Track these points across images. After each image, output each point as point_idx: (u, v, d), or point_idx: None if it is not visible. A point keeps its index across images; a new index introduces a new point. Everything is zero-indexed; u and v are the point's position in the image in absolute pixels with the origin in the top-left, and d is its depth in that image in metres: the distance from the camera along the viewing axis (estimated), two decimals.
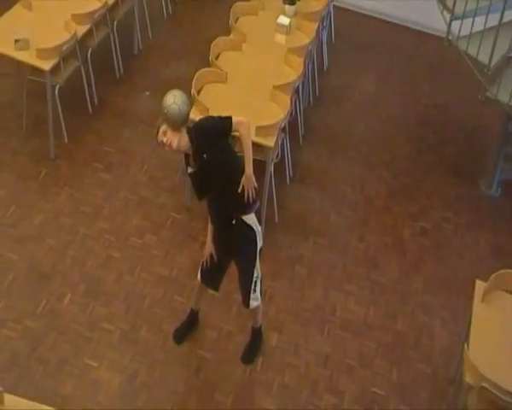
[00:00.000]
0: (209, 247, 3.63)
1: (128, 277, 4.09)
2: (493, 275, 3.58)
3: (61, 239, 4.24)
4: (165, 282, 4.12)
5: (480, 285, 3.60)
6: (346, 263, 4.43)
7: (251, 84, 4.56)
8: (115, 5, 5.14)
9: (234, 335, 3.93)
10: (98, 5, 4.86)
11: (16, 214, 4.34)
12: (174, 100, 3.25)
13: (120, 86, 5.35)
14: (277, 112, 4.36)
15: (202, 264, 3.69)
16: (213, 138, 3.33)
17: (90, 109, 5.04)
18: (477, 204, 4.93)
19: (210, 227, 3.62)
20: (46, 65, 4.41)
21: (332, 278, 4.33)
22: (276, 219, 4.55)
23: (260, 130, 4.17)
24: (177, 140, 3.24)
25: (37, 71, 4.48)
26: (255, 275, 3.60)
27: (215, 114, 4.16)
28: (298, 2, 5.08)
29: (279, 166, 4.60)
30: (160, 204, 4.55)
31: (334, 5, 5.85)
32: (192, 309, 3.90)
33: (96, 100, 5.09)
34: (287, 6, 5.07)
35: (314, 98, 5.50)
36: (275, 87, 4.48)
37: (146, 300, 4.01)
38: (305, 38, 4.97)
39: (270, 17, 5.06)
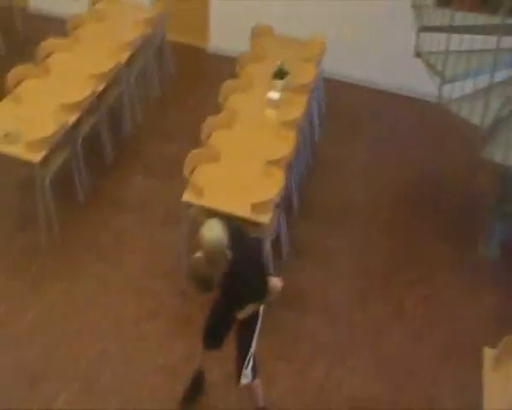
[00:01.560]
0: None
1: (124, 368, 4.09)
2: (501, 341, 3.56)
3: (53, 336, 4.25)
4: (164, 371, 4.12)
5: (488, 353, 3.57)
6: (349, 337, 4.43)
7: (244, 161, 4.68)
8: (104, 91, 5.31)
9: None
10: (87, 93, 5.04)
11: (5, 313, 4.36)
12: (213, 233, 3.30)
13: (111, 172, 5.48)
14: (272, 187, 4.45)
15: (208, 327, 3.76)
16: (245, 297, 3.47)
17: (82, 198, 5.15)
18: (478, 267, 4.96)
19: None
20: (36, 157, 4.53)
21: (335, 354, 4.32)
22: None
23: (256, 207, 4.26)
24: None
25: (26, 164, 4.57)
26: (251, 349, 3.64)
27: (210, 195, 4.34)
28: (287, 77, 5.27)
29: (275, 242, 4.66)
30: (156, 291, 4.59)
31: (323, 77, 6.05)
32: (198, 369, 3.95)
33: (87, 188, 5.21)
34: (276, 81, 5.25)
35: (307, 170, 5.63)
36: (268, 163, 4.59)
37: (144, 391, 4.00)
38: (295, 112, 5.11)
39: (260, 93, 5.22)
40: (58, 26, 5.88)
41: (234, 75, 5.47)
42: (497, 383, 3.44)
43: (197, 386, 3.98)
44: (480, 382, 3.46)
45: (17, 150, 4.57)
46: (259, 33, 6.00)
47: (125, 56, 5.59)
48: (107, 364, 4.12)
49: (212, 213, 4.37)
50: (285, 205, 4.81)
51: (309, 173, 5.63)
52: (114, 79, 5.48)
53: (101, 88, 5.23)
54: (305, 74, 5.53)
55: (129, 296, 4.54)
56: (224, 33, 6.74)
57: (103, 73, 5.26)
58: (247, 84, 5.37)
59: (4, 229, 4.91)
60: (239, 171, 4.62)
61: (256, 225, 4.30)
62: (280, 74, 5.30)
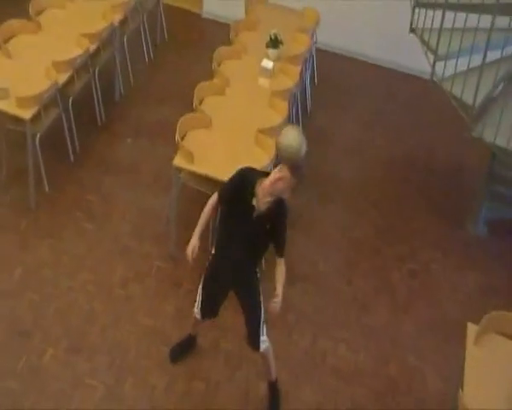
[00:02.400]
0: (194, 241, 3.54)
1: (112, 329, 4.05)
2: (485, 317, 3.60)
3: (42, 293, 4.21)
4: (151, 333, 4.09)
5: (471, 328, 3.60)
6: (336, 308, 4.44)
7: (235, 128, 4.62)
8: (96, 52, 5.20)
9: (222, 385, 3.90)
10: (79, 52, 4.92)
11: None
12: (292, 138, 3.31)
13: (102, 133, 5.39)
14: (262, 156, 4.42)
15: (201, 297, 3.67)
16: (278, 227, 3.42)
17: (72, 158, 5.05)
18: (465, 244, 4.99)
19: (203, 223, 3.56)
20: (26, 114, 4.43)
21: (321, 324, 4.33)
22: (263, 267, 4.55)
23: None
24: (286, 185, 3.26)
25: (17, 120, 4.50)
26: (262, 315, 3.60)
27: (200, 159, 4.29)
28: (281, 46, 5.20)
29: None
30: (144, 253, 4.54)
31: (316, 48, 5.99)
32: (190, 334, 3.92)
33: (77, 148, 5.12)
34: (270, 50, 5.17)
35: None
36: (259, 131, 4.54)
37: (131, 352, 3.97)
38: (288, 82, 5.06)
39: (254, 61, 5.15)
40: None
41: (227, 42, 5.38)
42: (478, 358, 3.48)
43: (188, 346, 3.98)
44: (462, 356, 3.50)
45: (7, 106, 4.46)
46: (254, 1, 5.90)
47: (118, 17, 5.46)
48: (94, 323, 4.08)
49: (203, 179, 4.35)
50: None
51: None
52: (107, 40, 5.35)
53: (93, 48, 5.11)
54: (298, 44, 5.47)
55: (117, 258, 4.48)
56: None
57: (96, 33, 5.14)
58: (241, 52, 5.29)
59: None
60: (230, 138, 4.57)
61: None
62: (274, 43, 5.22)
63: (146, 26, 6.08)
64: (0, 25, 4.95)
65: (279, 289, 3.43)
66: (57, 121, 4.83)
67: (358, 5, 6.26)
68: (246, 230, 3.39)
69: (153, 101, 5.77)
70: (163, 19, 6.37)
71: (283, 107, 4.79)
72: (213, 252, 3.64)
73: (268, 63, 5.12)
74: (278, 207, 3.36)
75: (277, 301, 3.40)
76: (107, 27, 5.25)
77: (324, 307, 4.43)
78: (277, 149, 3.28)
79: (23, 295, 4.17)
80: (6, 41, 4.94)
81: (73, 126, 5.04)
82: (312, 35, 5.78)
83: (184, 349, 3.97)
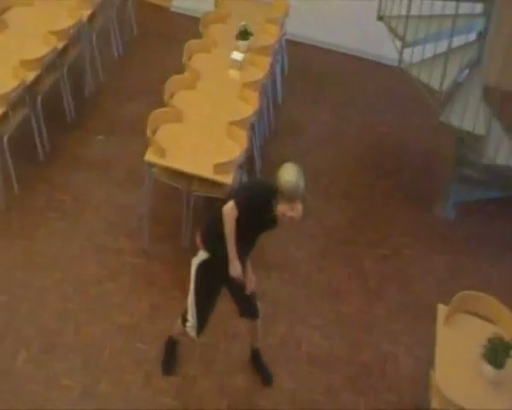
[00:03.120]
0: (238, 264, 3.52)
1: (86, 328, 3.98)
2: (454, 298, 3.61)
3: (14, 294, 4.11)
4: (126, 330, 4.03)
5: (441, 309, 3.62)
6: (309, 296, 4.42)
7: (207, 121, 4.56)
8: (65, 49, 5.10)
9: (198, 379, 3.86)
10: (47, 50, 4.81)
11: None
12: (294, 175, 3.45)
13: (72, 131, 5.29)
14: (234, 148, 4.37)
15: (195, 310, 3.61)
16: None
17: (42, 156, 4.95)
18: (434, 228, 5.00)
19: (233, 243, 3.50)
20: None
21: (296, 312, 4.30)
22: None
23: (218, 167, 4.17)
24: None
25: None
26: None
27: (172, 154, 4.23)
28: (250, 38, 5.14)
29: None
30: (118, 250, 4.47)
31: (286, 39, 5.92)
32: (171, 337, 3.87)
33: (47, 147, 5.01)
34: (239, 41, 5.12)
35: (270, 132, 5.54)
36: (231, 123, 4.49)
37: (106, 350, 3.90)
38: (258, 73, 5.02)
39: (224, 53, 5.10)
40: None
41: (197, 35, 5.31)
42: (449, 338, 3.49)
43: (171, 351, 3.90)
44: (433, 337, 3.50)
45: None
46: None
47: (86, 13, 5.35)
48: (68, 322, 4.00)
49: (175, 174, 4.29)
50: (247, 166, 4.72)
51: (271, 135, 5.54)
52: (75, 37, 5.24)
53: (61, 45, 5.00)
54: (268, 36, 5.44)
55: (90, 255, 4.41)
56: None
57: (64, 30, 5.03)
58: (211, 45, 5.24)
59: None
60: (202, 131, 4.51)
61: (218, 185, 4.22)
62: (243, 35, 5.17)
63: (115, 21, 5.97)
64: None
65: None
66: (26, 121, 4.72)
67: None
68: (258, 235, 3.58)
69: (123, 96, 5.69)
70: (132, 14, 6.27)
71: (254, 98, 4.75)
72: (208, 256, 3.55)
73: (238, 55, 5.07)
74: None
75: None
76: (75, 24, 5.15)
77: (298, 294, 4.41)
78: (279, 186, 3.40)
79: None
80: None
81: (43, 125, 4.94)
82: (282, 26, 5.73)
83: (174, 357, 3.90)
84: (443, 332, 3.51)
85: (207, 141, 4.43)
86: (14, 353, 3.81)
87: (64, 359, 3.83)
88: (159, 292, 4.26)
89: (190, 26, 5.67)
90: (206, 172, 4.20)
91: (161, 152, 4.24)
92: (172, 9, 6.77)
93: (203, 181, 4.26)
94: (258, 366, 3.94)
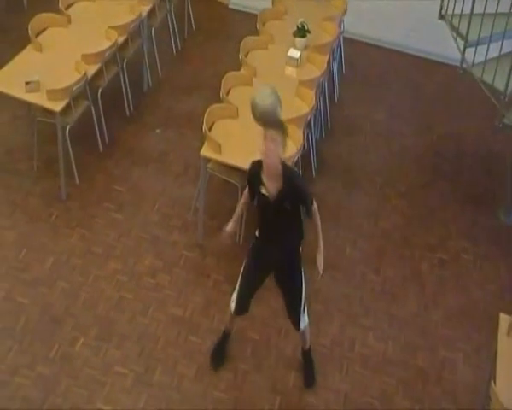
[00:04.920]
0: (230, 227, 3.59)
1: (141, 318, 4.07)
2: None
3: (72, 281, 4.25)
4: (179, 322, 4.10)
5: (504, 319, 3.53)
6: (364, 297, 4.39)
7: None
8: (125, 44, 5.22)
9: (250, 374, 3.89)
10: (108, 44, 4.94)
11: (28, 257, 4.36)
12: (266, 97, 3.32)
13: (131, 124, 5.41)
14: (290, 146, 4.35)
15: (240, 285, 3.68)
16: (297, 197, 3.44)
17: (101, 148, 5.09)
18: (495, 233, 4.88)
19: (238, 214, 3.61)
20: (56, 106, 4.47)
21: (349, 312, 4.29)
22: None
23: None
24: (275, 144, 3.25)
25: (47, 112, 4.54)
26: (303, 294, 3.66)
27: (228, 150, 4.29)
28: (308, 35, 5.15)
29: None
30: (173, 243, 4.55)
31: (344, 37, 5.90)
32: (225, 331, 3.92)
33: (106, 139, 5.15)
34: (297, 39, 5.13)
35: (326, 130, 5.52)
36: (287, 121, 4.47)
37: (160, 341, 3.99)
38: (315, 71, 5.02)
39: (281, 50, 5.11)
40: None
41: (254, 32, 5.34)
42: (510, 348, 3.40)
43: (225, 345, 3.96)
44: (493, 347, 3.43)
45: (38, 98, 4.50)
46: None
47: (146, 9, 5.47)
48: (124, 312, 4.11)
49: (230, 169, 4.32)
50: (303, 163, 4.71)
51: (327, 134, 5.53)
52: (135, 32, 5.36)
53: (121, 40, 5.12)
54: (326, 33, 5.42)
55: (146, 247, 4.50)
56: None
57: (124, 25, 5.14)
58: (268, 41, 5.26)
59: (26, 176, 4.86)
60: (257, 128, 4.49)
61: None
62: (301, 32, 5.17)
63: (173, 17, 6.07)
64: (31, 19, 4.99)
65: (320, 244, 3.60)
66: (87, 113, 4.86)
67: None
68: (272, 215, 3.45)
69: (181, 91, 5.77)
70: (190, 10, 6.36)
71: (310, 96, 4.74)
72: (257, 235, 3.63)
73: (295, 52, 5.07)
74: (288, 185, 3.37)
75: (320, 256, 3.60)
76: (135, 19, 5.26)
77: (352, 295, 4.39)
78: (252, 109, 3.24)
79: (55, 284, 4.22)
80: (37, 35, 4.98)
81: (102, 118, 5.08)
82: (340, 24, 5.71)
83: (224, 350, 3.95)
84: (505, 343, 3.43)
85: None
86: (73, 339, 3.95)
87: (119, 347, 3.93)
88: (212, 286, 4.32)
89: (248, 23, 5.73)
90: None
91: (217, 147, 4.29)
92: (231, 6, 6.83)
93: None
94: (303, 366, 3.93)
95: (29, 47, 4.89)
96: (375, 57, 6.42)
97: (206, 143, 4.35)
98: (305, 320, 3.73)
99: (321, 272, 3.62)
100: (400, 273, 4.54)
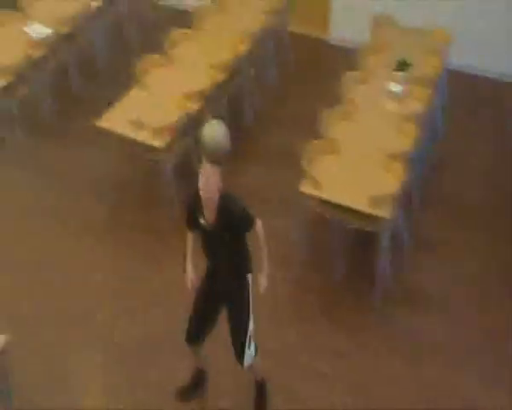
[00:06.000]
0: (190, 274, 3.62)
1: None
2: None
3: (171, 307, 4.43)
4: (274, 356, 4.14)
5: None
6: (469, 339, 4.28)
7: (363, 153, 4.65)
8: (225, 82, 5.45)
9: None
10: (209, 83, 5.21)
11: (127, 287, 4.60)
12: (211, 132, 3.38)
13: (230, 160, 5.58)
14: (391, 182, 4.40)
15: (188, 319, 3.70)
16: (236, 226, 3.47)
17: None
18: None
19: (190, 252, 3.63)
20: (160, 143, 4.74)
21: (453, 354, 4.20)
22: (392, 292, 4.52)
23: (374, 201, 4.22)
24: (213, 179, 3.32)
25: (151, 149, 4.80)
26: (250, 327, 3.59)
27: (327, 187, 4.36)
28: (409, 69, 5.16)
29: (393, 237, 4.59)
30: (271, 277, 4.57)
31: (448, 69, 5.86)
32: (197, 368, 3.94)
33: None
34: (398, 73, 5.18)
35: (429, 166, 5.48)
36: (388, 156, 4.53)
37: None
38: (418, 105, 5.02)
39: (381, 85, 5.18)
40: (184, 17, 6.10)
41: (353, 66, 5.44)
42: None
43: (197, 384, 3.97)
44: None
45: (143, 136, 4.80)
46: (380, 23, 5.92)
47: (245, 47, 5.72)
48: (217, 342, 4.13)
49: (330, 205, 4.37)
50: (404, 200, 4.71)
51: (430, 169, 5.49)
52: (235, 70, 5.61)
53: (222, 78, 5.37)
54: (428, 66, 5.42)
55: None
56: (345, 24, 6.72)
57: (225, 64, 5.42)
58: (368, 76, 5.34)
59: (131, 210, 5.17)
60: (358, 163, 4.59)
61: (374, 219, 4.25)
62: (402, 66, 5.21)
63: (272, 52, 6.29)
64: (137, 61, 5.37)
65: (264, 265, 3.61)
66: (189, 150, 5.10)
67: (494, 22, 6.05)
68: (213, 246, 3.50)
69: (279, 127, 5.95)
70: (289, 45, 6.57)
71: (413, 131, 4.75)
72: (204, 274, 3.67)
73: (396, 87, 5.11)
74: (225, 215, 3.40)
75: (262, 276, 3.59)
76: (235, 57, 5.52)
77: (457, 337, 4.30)
78: (200, 143, 3.31)
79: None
80: (143, 75, 5.35)
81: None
82: (443, 56, 5.67)
83: (196, 385, 3.96)
84: None
85: (364, 173, 4.51)
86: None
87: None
88: (307, 321, 4.37)
89: (347, 58, 5.83)
90: (363, 206, 4.26)
91: (316, 184, 4.38)
92: (330, 41, 6.98)
93: (357, 213, 4.32)
94: (253, 396, 3.86)
95: (135, 87, 5.26)
96: (480, 88, 6.32)
97: (305, 179, 4.44)
98: (251, 355, 3.61)
99: (262, 291, 3.60)
100: (509, 315, 4.38)
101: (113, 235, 5.00)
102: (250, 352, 3.63)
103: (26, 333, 4.29)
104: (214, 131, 3.34)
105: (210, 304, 3.66)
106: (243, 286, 3.59)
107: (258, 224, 3.57)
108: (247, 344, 3.60)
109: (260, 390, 3.89)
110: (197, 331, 3.70)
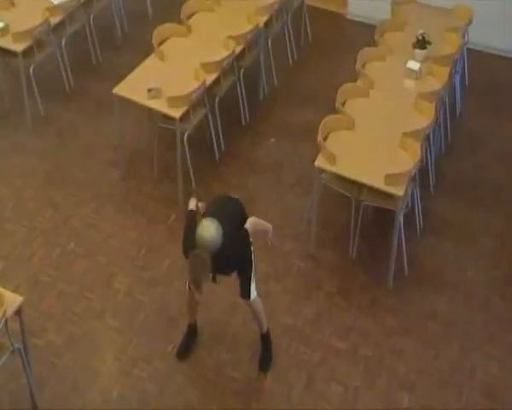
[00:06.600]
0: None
1: (252, 323, 4.19)
2: None
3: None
4: (290, 331, 4.25)
5: None
6: (487, 322, 4.31)
7: (379, 131, 4.67)
8: (242, 53, 5.49)
9: (361, 391, 3.95)
10: (226, 54, 5.23)
11: (147, 257, 4.69)
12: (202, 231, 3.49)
13: (246, 133, 5.67)
14: (407, 160, 4.42)
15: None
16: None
17: (217, 156, 5.36)
18: None
19: None
20: (176, 113, 4.78)
21: (471, 337, 4.24)
22: (406, 273, 4.56)
23: (389, 178, 4.25)
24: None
25: (167, 118, 4.86)
26: (253, 266, 3.87)
27: (342, 161, 4.37)
28: (429, 47, 5.16)
29: (409, 217, 4.63)
30: (285, 252, 4.72)
31: (468, 48, 5.86)
32: (190, 324, 4.11)
33: (222, 147, 5.42)
34: (416, 50, 5.16)
35: (446, 145, 5.51)
36: (404, 134, 4.54)
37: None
38: (436, 83, 5.03)
39: (399, 62, 5.18)
40: None
41: (372, 43, 5.44)
42: None
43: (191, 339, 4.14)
44: None
45: (160, 105, 4.83)
46: (401, 0, 5.90)
47: (263, 19, 5.72)
48: (235, 315, 4.30)
49: (345, 181, 4.41)
50: (421, 179, 4.74)
51: (448, 149, 5.50)
52: (252, 41, 5.63)
53: (239, 50, 5.39)
54: (448, 44, 5.41)
55: (259, 255, 4.54)
56: None
57: (242, 35, 5.42)
58: (386, 53, 5.33)
59: (146, 179, 5.23)
60: (374, 140, 4.61)
61: (389, 196, 4.29)
62: (422, 44, 5.19)
63: (290, 27, 6.31)
64: (155, 29, 5.39)
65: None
66: (204, 121, 5.16)
67: None
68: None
69: (296, 101, 5.97)
70: (307, 20, 6.58)
71: (430, 109, 4.76)
72: None
73: (414, 64, 5.11)
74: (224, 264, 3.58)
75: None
76: (252, 29, 5.53)
77: (474, 319, 4.34)
78: (201, 245, 3.47)
79: (171, 284, 4.51)
80: (160, 44, 5.37)
81: (219, 126, 5.35)
82: (464, 34, 5.67)
83: (190, 344, 4.13)
84: None
85: (379, 150, 4.53)
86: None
87: (231, 349, 4.14)
88: (324, 298, 4.43)
89: (365, 34, 5.84)
90: (377, 183, 4.29)
91: (332, 159, 4.41)
92: (348, 17, 6.99)
93: (373, 191, 4.36)
94: (261, 349, 4.07)
95: (152, 56, 5.27)
96: (501, 68, 6.30)
97: (320, 154, 4.47)
98: (253, 291, 3.89)
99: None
100: None
101: (130, 204, 5.06)
102: (253, 287, 3.90)
103: (44, 298, 4.39)
104: (204, 232, 3.47)
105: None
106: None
107: (250, 227, 3.79)
108: (251, 279, 3.86)
109: (266, 343, 4.08)
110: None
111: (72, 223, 4.91)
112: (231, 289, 4.34)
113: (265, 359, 4.08)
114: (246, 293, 3.89)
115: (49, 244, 4.75)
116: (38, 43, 5.57)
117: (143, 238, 4.82)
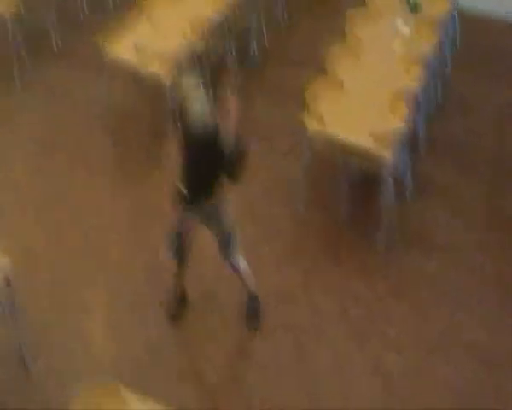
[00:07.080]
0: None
1: (240, 286, 4.11)
2: None
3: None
4: (278, 294, 4.23)
5: None
6: (477, 286, 4.33)
7: (368, 92, 4.65)
8: (232, 15, 5.41)
9: (350, 353, 3.96)
10: (217, 13, 5.16)
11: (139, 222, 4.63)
12: None
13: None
14: (395, 121, 4.41)
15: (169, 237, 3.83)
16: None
17: None
18: None
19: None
20: (165, 71, 4.71)
21: (460, 300, 4.26)
22: (396, 236, 4.55)
23: (377, 139, 4.24)
24: None
25: (156, 78, 4.75)
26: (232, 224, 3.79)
27: (331, 123, 4.36)
28: (418, 9, 5.14)
29: (399, 181, 4.61)
30: (273, 214, 4.68)
31: (458, 11, 5.81)
32: (180, 290, 4.10)
33: None
34: (406, 13, 5.14)
35: (436, 109, 5.48)
36: (393, 96, 4.53)
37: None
38: (425, 46, 5.00)
39: (389, 24, 5.14)
40: None
41: (362, 4, 5.37)
42: None
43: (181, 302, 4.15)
44: None
45: (148, 63, 4.77)
46: None
47: None
48: (223, 281, 4.23)
49: (333, 142, 4.39)
50: (410, 142, 4.73)
51: (438, 113, 5.48)
52: (242, 2, 5.55)
53: (229, 10, 5.32)
54: (437, 7, 5.37)
55: (247, 219, 4.59)
56: None
57: None
58: (375, 14, 5.29)
59: (136, 141, 5.16)
60: (362, 101, 4.60)
61: (377, 159, 4.28)
62: (412, 6, 5.15)
63: None
64: None
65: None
66: None
67: None
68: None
69: (286, 63, 5.90)
70: None
71: (419, 72, 4.75)
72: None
73: (404, 27, 5.08)
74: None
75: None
76: None
77: (465, 282, 4.34)
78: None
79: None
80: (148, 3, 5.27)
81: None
82: None
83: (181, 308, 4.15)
84: None
85: (367, 112, 4.52)
86: None
87: (220, 314, 4.14)
88: (312, 260, 4.42)
89: None
90: (366, 143, 4.28)
91: (320, 120, 4.38)
92: None
93: (361, 153, 4.34)
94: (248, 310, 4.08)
95: (140, 14, 5.16)
96: (492, 32, 6.25)
97: (309, 116, 4.44)
98: (235, 256, 3.86)
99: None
100: None
101: (123, 169, 5.03)
102: (235, 252, 3.85)
103: (38, 267, 4.33)
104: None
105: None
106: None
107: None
108: (231, 242, 3.81)
109: (253, 304, 4.08)
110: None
111: (65, 190, 4.82)
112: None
113: (253, 319, 4.08)
114: (226, 251, 3.82)
115: (41, 211, 4.67)
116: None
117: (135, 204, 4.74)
